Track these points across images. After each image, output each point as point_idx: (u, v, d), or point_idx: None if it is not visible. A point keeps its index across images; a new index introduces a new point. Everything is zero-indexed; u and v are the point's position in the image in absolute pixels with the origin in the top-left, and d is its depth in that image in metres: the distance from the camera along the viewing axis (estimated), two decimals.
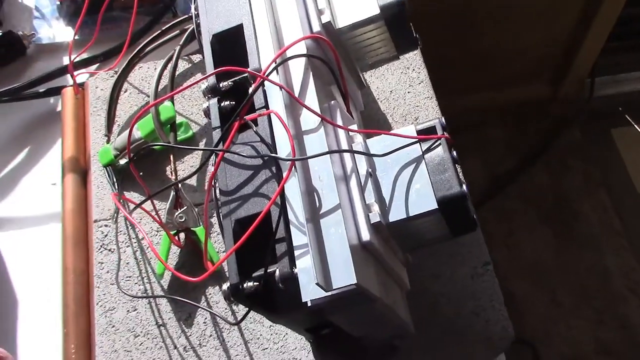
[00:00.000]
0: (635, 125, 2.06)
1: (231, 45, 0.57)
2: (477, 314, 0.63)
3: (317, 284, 0.43)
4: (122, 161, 0.72)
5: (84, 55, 0.88)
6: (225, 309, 0.65)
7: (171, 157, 0.70)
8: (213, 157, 0.53)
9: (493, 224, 1.85)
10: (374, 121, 0.74)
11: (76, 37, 0.89)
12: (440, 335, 0.62)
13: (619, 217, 1.90)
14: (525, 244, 1.83)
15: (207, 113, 0.55)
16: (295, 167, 0.48)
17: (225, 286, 0.47)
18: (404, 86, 0.76)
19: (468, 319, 0.63)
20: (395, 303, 0.54)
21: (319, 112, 0.51)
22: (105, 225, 0.71)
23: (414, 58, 0.78)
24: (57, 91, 0.88)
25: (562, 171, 1.98)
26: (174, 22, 0.77)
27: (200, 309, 0.65)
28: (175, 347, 0.64)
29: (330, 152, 0.49)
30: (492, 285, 0.65)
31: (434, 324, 0.63)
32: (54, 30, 0.98)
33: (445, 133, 0.54)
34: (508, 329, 0.63)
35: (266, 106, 0.52)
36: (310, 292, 0.44)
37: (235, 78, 0.55)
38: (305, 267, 0.45)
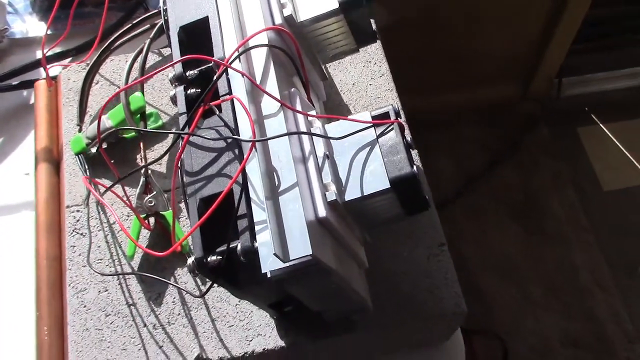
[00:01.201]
0: (601, 124, 2.12)
1: (197, 37, 0.60)
2: (432, 292, 0.67)
3: (275, 254, 0.46)
4: (94, 149, 0.74)
5: (57, 49, 0.91)
6: (193, 288, 0.68)
7: (141, 144, 0.72)
8: (180, 141, 0.56)
9: (464, 221, 1.89)
10: (337, 111, 0.77)
11: (49, 32, 0.91)
12: (397, 312, 0.66)
13: (585, 213, 1.95)
14: (496, 240, 1.87)
15: (174, 100, 0.58)
16: (255, 148, 0.51)
17: (190, 260, 0.50)
18: (366, 79, 0.80)
19: (423, 297, 0.67)
20: (352, 278, 0.57)
21: (279, 97, 0.54)
22: (78, 211, 0.74)
23: (375, 52, 0.82)
24: (30, 84, 0.90)
25: (531, 169, 2.03)
26: (144, 16, 0.80)
27: (168, 288, 0.68)
28: (145, 325, 0.67)
29: (288, 133, 0.53)
30: (447, 265, 0.69)
31: (391, 301, 0.66)
32: (27, 25, 1.00)
33: (398, 118, 0.57)
34: (461, 305, 0.66)
35: (229, 93, 0.56)
36: (269, 263, 0.48)
37: (201, 67, 0.58)
38: (265, 241, 0.48)
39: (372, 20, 0.70)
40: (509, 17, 1.73)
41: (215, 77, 0.54)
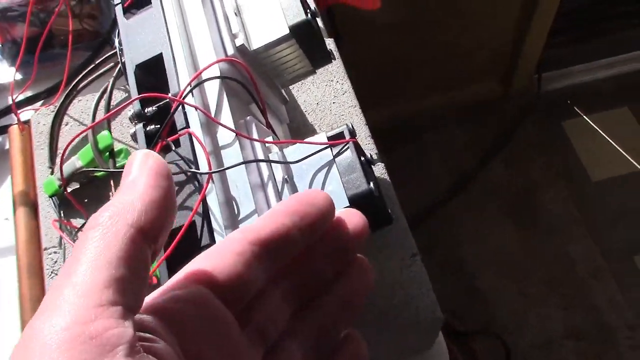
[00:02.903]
0: (584, 116, 2.14)
1: (154, 73, 0.62)
2: (408, 302, 0.68)
3: None
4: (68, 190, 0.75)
5: (28, 93, 0.92)
6: None
7: (111, 182, 0.74)
8: None
9: (458, 220, 1.91)
10: (302, 132, 0.79)
11: (20, 77, 0.93)
12: (374, 324, 0.67)
13: (577, 205, 1.97)
14: (491, 237, 1.89)
15: (134, 137, 0.60)
16: (212, 179, 0.53)
17: None
18: (329, 98, 0.82)
19: (399, 308, 0.68)
20: None
21: (233, 128, 0.56)
22: (55, 252, 0.75)
23: (337, 70, 0.83)
24: (3, 130, 0.92)
25: (521, 165, 2.05)
26: (106, 55, 0.82)
27: None
28: None
29: (244, 162, 0.54)
30: (421, 274, 0.69)
31: (369, 315, 0.67)
32: None
33: (353, 137, 0.59)
34: (436, 312, 0.67)
35: (187, 127, 0.57)
36: None
37: (159, 104, 0.59)
38: None
39: (326, 41, 0.71)
40: (482, 16, 1.75)
41: (170, 114, 0.56)
